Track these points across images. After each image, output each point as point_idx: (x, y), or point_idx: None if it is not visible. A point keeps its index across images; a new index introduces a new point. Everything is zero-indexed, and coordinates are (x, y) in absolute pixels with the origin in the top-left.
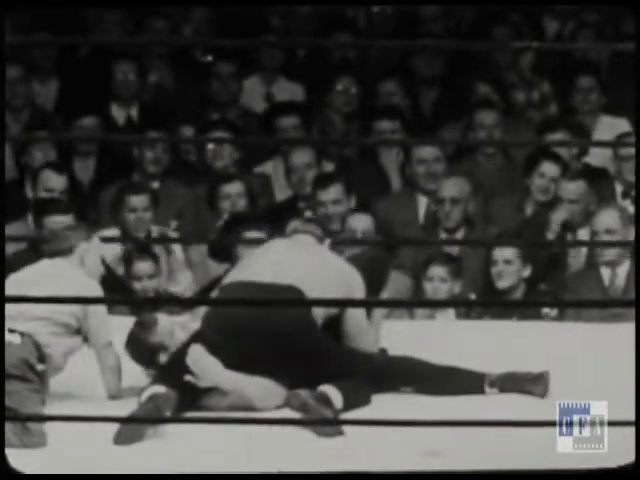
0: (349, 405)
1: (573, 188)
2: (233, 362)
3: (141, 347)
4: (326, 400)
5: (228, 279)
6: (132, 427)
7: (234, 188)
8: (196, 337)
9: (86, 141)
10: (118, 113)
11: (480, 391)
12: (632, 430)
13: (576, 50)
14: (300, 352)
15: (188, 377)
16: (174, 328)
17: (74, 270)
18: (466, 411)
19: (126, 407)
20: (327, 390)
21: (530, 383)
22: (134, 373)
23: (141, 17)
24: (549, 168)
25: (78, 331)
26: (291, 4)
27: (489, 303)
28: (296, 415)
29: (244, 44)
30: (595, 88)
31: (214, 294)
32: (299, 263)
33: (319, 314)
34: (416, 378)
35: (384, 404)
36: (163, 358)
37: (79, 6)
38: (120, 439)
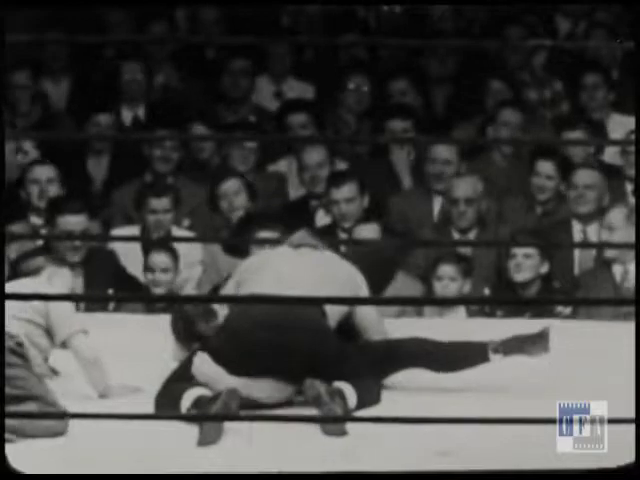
0: (361, 404)
1: (588, 175)
2: (241, 370)
3: (190, 332)
4: (341, 396)
5: (231, 291)
6: (214, 427)
7: (232, 186)
8: (203, 345)
9: (98, 139)
10: (125, 113)
11: (485, 359)
12: (632, 430)
13: (588, 49)
14: (313, 363)
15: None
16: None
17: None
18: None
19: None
20: (343, 387)
21: (531, 342)
22: (123, 372)
23: (145, 19)
24: (544, 167)
25: (48, 331)
26: (301, 4)
27: (496, 301)
28: (306, 406)
29: (254, 42)
30: (601, 85)
31: (227, 310)
32: (305, 275)
33: (333, 318)
34: (423, 356)
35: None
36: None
37: (79, 6)
38: (205, 440)
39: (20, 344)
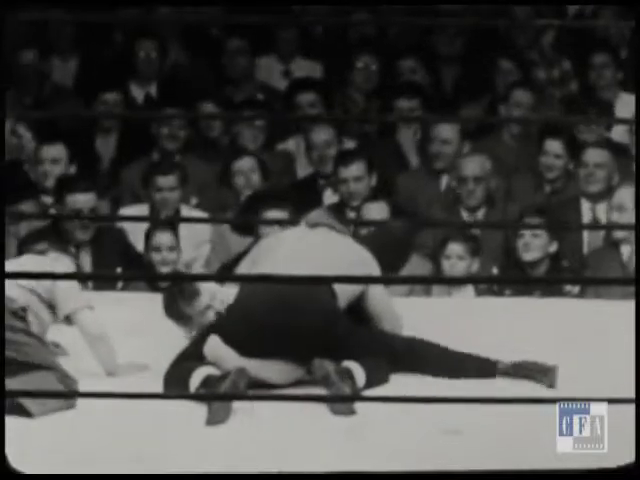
0: (370, 383)
1: (598, 153)
2: (251, 351)
3: (175, 310)
4: (349, 376)
5: (244, 270)
6: (222, 406)
7: (246, 164)
8: (213, 327)
9: (105, 117)
10: (137, 91)
11: (491, 376)
12: (632, 430)
13: (597, 28)
14: (323, 344)
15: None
16: (209, 308)
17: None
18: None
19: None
20: (351, 366)
21: (542, 373)
22: (132, 350)
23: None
24: (552, 146)
25: (50, 305)
26: (307, 4)
27: (504, 280)
28: (315, 386)
29: (262, 21)
30: (610, 65)
31: (235, 289)
32: (317, 256)
33: (343, 300)
34: (429, 361)
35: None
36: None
37: (81, 7)
38: (213, 419)
39: (24, 309)
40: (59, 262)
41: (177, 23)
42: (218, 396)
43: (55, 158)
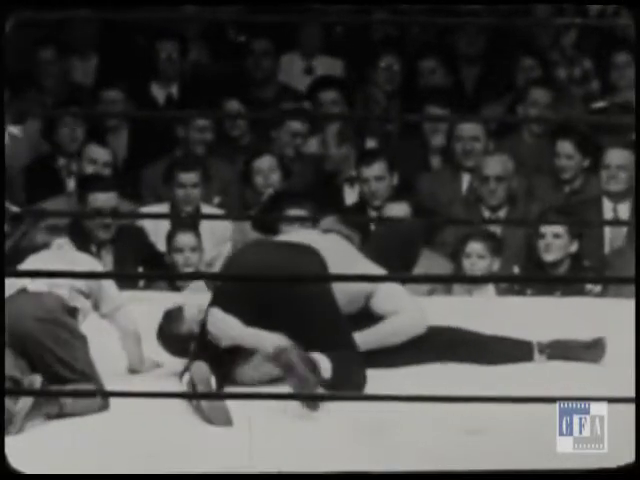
0: (339, 379)
1: (620, 154)
2: (251, 319)
3: (172, 339)
4: (313, 366)
5: None
6: (216, 408)
7: (265, 162)
8: (213, 301)
9: (128, 117)
10: (158, 92)
11: (529, 358)
12: (632, 430)
13: (618, 27)
14: (314, 315)
15: (209, 338)
16: (200, 314)
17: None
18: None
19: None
20: (317, 357)
21: (583, 349)
22: (149, 348)
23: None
24: (563, 147)
25: (88, 295)
26: (319, 3)
27: (525, 279)
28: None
29: (283, 20)
30: (631, 64)
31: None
32: (322, 246)
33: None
34: (463, 347)
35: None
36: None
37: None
38: (218, 420)
39: (76, 309)
40: (79, 258)
41: (198, 23)
42: (225, 395)
43: (99, 159)
